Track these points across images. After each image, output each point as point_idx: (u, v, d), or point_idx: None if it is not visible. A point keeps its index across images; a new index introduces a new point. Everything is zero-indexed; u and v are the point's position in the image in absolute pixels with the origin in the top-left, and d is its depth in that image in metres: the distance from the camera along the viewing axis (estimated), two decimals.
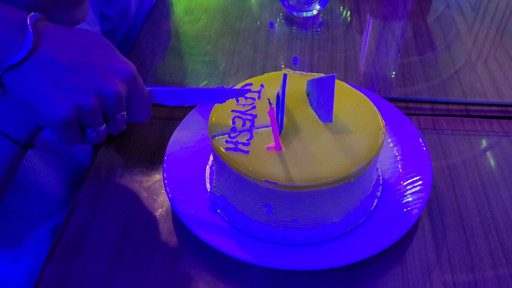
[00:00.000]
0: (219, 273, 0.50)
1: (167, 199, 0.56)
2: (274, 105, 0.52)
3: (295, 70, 0.58)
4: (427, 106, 0.70)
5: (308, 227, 0.50)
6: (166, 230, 0.54)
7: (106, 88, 0.44)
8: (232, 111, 0.53)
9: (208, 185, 0.56)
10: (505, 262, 0.51)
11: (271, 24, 0.88)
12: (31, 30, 0.42)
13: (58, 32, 0.44)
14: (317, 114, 0.52)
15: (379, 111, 0.53)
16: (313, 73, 0.58)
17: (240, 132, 0.51)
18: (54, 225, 0.63)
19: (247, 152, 0.48)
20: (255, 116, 0.52)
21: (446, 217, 0.55)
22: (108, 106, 0.45)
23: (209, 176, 0.56)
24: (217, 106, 0.54)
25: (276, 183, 0.46)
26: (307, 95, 0.54)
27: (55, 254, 0.52)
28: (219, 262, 0.51)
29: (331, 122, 0.50)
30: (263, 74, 0.58)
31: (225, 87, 0.53)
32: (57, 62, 0.42)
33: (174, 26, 0.90)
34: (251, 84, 0.56)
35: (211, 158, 0.58)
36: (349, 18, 0.90)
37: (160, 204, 0.57)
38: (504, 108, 0.69)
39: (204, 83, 0.75)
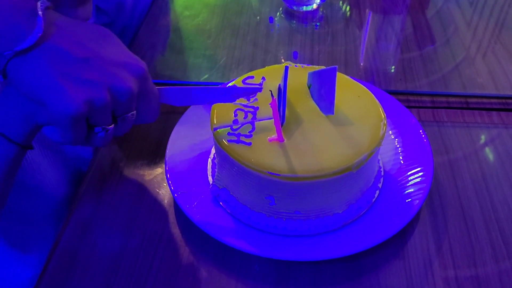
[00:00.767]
0: (222, 265, 0.50)
1: (170, 192, 0.56)
2: (276, 97, 0.52)
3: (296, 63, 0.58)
4: (427, 98, 0.70)
5: (310, 218, 0.50)
6: (169, 223, 0.54)
7: (119, 84, 0.41)
8: (234, 103, 0.53)
9: (210, 178, 0.56)
10: (505, 252, 0.51)
11: (271, 19, 0.88)
12: (41, 15, 0.39)
13: (69, 23, 0.42)
14: (318, 106, 0.52)
15: (380, 103, 0.54)
16: (314, 66, 0.58)
17: (242, 124, 0.51)
18: (59, 225, 0.62)
19: (249, 144, 0.49)
20: (257, 108, 0.52)
21: (447, 207, 0.55)
22: (119, 104, 0.43)
23: (211, 168, 0.57)
24: None
25: (279, 175, 0.46)
26: (308, 88, 0.55)
27: (59, 247, 0.52)
28: (222, 254, 0.51)
29: (333, 113, 0.51)
30: (264, 67, 0.58)
31: (236, 85, 0.51)
32: (68, 52, 0.40)
33: (173, 21, 0.90)
34: (253, 77, 0.56)
35: (213, 150, 0.58)
36: (348, 12, 0.90)
37: (163, 197, 0.57)
38: (503, 100, 0.70)
39: (204, 77, 0.75)
